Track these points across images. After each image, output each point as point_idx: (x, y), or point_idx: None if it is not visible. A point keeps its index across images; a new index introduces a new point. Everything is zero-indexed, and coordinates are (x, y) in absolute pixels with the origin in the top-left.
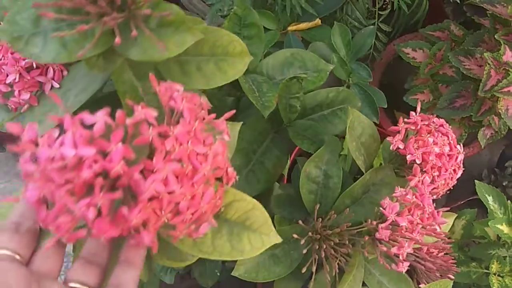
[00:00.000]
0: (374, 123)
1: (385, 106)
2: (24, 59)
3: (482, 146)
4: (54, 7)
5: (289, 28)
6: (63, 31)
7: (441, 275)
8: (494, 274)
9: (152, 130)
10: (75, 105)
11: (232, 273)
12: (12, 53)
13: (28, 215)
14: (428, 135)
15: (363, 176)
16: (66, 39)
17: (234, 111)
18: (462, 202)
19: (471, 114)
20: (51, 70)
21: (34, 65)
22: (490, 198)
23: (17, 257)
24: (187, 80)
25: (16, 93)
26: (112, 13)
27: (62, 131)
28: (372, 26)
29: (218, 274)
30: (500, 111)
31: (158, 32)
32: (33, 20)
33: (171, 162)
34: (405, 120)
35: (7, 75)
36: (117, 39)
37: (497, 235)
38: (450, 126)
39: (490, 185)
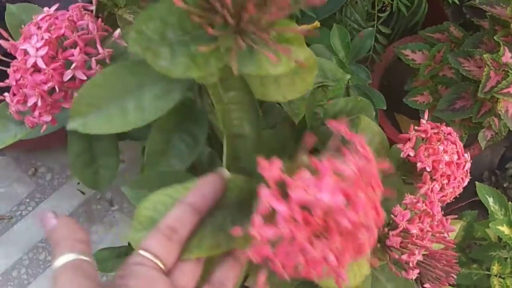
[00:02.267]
0: None
1: (384, 108)
2: (46, 83)
3: (483, 148)
4: (178, 19)
5: None
6: (188, 44)
7: (444, 275)
8: (495, 275)
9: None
10: (153, 113)
11: None
12: (31, 75)
13: (184, 222)
14: (438, 143)
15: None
16: (193, 53)
17: None
18: (463, 204)
19: (471, 115)
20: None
21: (57, 89)
22: (490, 200)
23: (162, 266)
24: (266, 92)
25: (36, 114)
26: (239, 29)
27: None
28: (371, 28)
29: None
30: (500, 112)
31: (274, 47)
32: (160, 31)
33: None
34: (416, 128)
35: (26, 95)
36: (256, 48)
37: (498, 236)
38: (450, 128)
39: (490, 187)
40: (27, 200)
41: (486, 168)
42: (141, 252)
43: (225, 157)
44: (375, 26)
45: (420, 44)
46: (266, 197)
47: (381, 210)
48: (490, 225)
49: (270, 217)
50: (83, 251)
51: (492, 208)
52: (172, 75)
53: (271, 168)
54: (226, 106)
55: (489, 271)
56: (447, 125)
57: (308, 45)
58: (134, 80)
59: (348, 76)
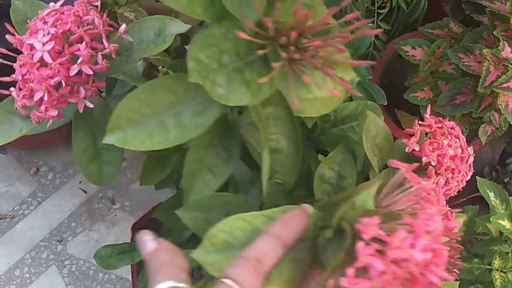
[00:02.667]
0: None
1: (385, 103)
2: (53, 78)
3: (483, 143)
4: (233, 45)
5: None
6: (243, 70)
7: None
8: (497, 270)
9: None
10: (193, 129)
11: None
12: (38, 69)
13: (271, 255)
14: (443, 137)
15: (376, 177)
16: (248, 79)
17: None
18: (464, 200)
19: (472, 110)
20: (82, 90)
21: (63, 84)
22: (491, 194)
23: None
24: (302, 108)
25: (42, 108)
26: (291, 55)
27: None
28: (370, 24)
29: None
30: (500, 107)
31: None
32: (217, 58)
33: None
34: (420, 122)
35: (32, 90)
36: (305, 78)
37: (499, 231)
38: (453, 122)
39: (491, 182)
40: (29, 199)
41: (487, 163)
42: (226, 281)
43: (264, 172)
44: (375, 22)
45: (420, 40)
46: (364, 254)
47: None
48: (491, 219)
49: (362, 270)
50: (184, 280)
51: (493, 203)
52: (229, 103)
53: (370, 225)
54: (264, 123)
55: (490, 265)
56: (440, 117)
57: None
58: (173, 96)
59: (358, 79)
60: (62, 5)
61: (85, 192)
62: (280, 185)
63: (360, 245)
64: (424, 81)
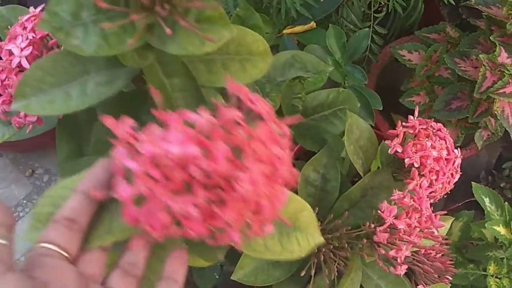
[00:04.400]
0: (371, 125)
1: (380, 108)
2: None
3: (479, 148)
4: None
5: (284, 31)
6: (102, 23)
7: (439, 277)
8: (492, 275)
9: (241, 130)
10: (95, 97)
11: (232, 277)
12: (16, 75)
13: (81, 212)
14: (426, 139)
15: (361, 180)
16: (106, 32)
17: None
18: (460, 204)
19: (467, 115)
20: None
21: None
22: (487, 200)
23: (67, 255)
24: (214, 78)
25: (22, 114)
26: (154, 7)
27: None
28: (367, 29)
29: (217, 277)
30: (496, 112)
31: (195, 26)
32: (73, 12)
33: (260, 162)
34: (404, 124)
35: (11, 96)
36: (168, 31)
37: (494, 237)
38: (447, 129)
39: (487, 187)
40: (24, 201)
41: (483, 168)
42: (43, 244)
43: None
44: (371, 26)
45: (417, 45)
46: (118, 156)
47: (282, 162)
48: (486, 225)
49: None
50: (2, 235)
51: (488, 208)
52: (84, 53)
53: (121, 126)
54: (170, 94)
55: (485, 271)
56: (436, 122)
57: (304, 46)
58: (79, 67)
59: (330, 68)
60: (42, 10)
61: None
62: None
63: (116, 149)
64: (420, 86)
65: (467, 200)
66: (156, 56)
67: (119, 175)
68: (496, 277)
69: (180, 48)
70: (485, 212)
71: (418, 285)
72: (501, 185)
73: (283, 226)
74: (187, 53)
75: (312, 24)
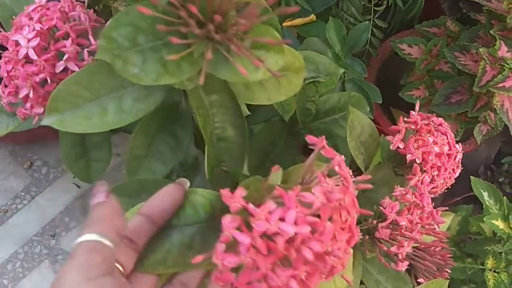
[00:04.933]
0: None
1: (380, 102)
2: (38, 74)
3: (478, 142)
4: (150, 24)
5: (284, 23)
6: (160, 50)
7: (437, 269)
8: (490, 270)
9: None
10: (133, 113)
11: None
12: (23, 66)
13: (142, 232)
14: (428, 134)
15: (363, 174)
16: (164, 60)
17: None
18: (459, 199)
19: (467, 110)
20: None
21: (49, 80)
22: (485, 194)
23: (123, 271)
24: (251, 95)
25: (28, 105)
26: (211, 34)
27: None
28: (367, 22)
29: None
30: (495, 106)
31: (248, 55)
32: (130, 37)
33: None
34: (405, 119)
35: (17, 87)
36: (231, 57)
37: (493, 231)
38: (448, 123)
39: (485, 181)
40: (23, 193)
41: (482, 162)
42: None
43: (206, 163)
44: (371, 20)
45: (417, 39)
46: (228, 227)
47: (356, 230)
48: (484, 219)
49: (234, 244)
50: (111, 239)
51: (487, 203)
52: (143, 82)
53: (234, 197)
54: (208, 111)
55: (483, 265)
56: (438, 116)
57: (303, 38)
58: (114, 81)
59: (342, 70)
60: (47, 0)
61: (78, 187)
62: (228, 173)
63: (225, 218)
64: (419, 80)
65: (465, 195)
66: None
67: (223, 241)
68: (494, 271)
69: (233, 74)
70: (484, 206)
71: (417, 278)
72: (500, 180)
73: None
74: (241, 80)
75: (312, 16)
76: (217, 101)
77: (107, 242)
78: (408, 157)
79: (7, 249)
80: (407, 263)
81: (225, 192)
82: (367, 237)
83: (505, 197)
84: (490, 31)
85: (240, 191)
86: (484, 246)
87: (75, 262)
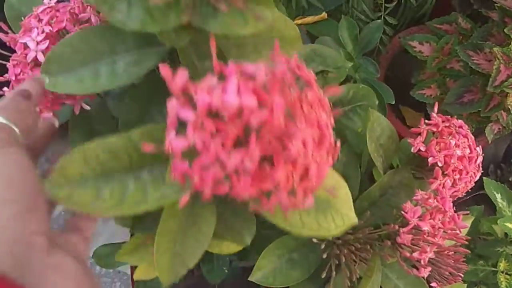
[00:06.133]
0: None
1: (393, 102)
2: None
3: (490, 141)
4: None
5: (295, 21)
6: None
7: (451, 274)
8: (502, 272)
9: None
10: (125, 77)
11: (249, 278)
12: (32, 70)
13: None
14: (450, 137)
15: (381, 178)
16: (150, 7)
17: None
18: (467, 198)
19: (479, 109)
20: None
21: None
22: (498, 196)
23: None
24: (245, 60)
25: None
26: None
27: None
28: (379, 20)
29: (226, 271)
30: (509, 107)
31: (239, 6)
32: None
33: (312, 125)
34: (426, 121)
35: None
36: (223, 7)
37: (505, 232)
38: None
39: (498, 182)
40: None
41: (490, 161)
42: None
43: None
44: (382, 17)
45: (428, 36)
46: (173, 107)
47: (327, 130)
48: (498, 222)
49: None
50: (16, 124)
51: (500, 205)
52: (128, 28)
53: (176, 77)
54: (201, 78)
55: (495, 267)
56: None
57: (314, 37)
58: (106, 45)
59: (350, 64)
60: (57, 2)
61: None
62: None
63: (170, 100)
64: (431, 78)
65: (475, 193)
66: (190, 38)
67: (171, 127)
68: (507, 273)
69: (223, 27)
70: (497, 208)
71: (430, 283)
72: (510, 179)
73: (319, 202)
74: (230, 32)
75: (324, 14)
76: (211, 67)
77: (15, 128)
78: (430, 160)
79: None
80: (429, 268)
81: (165, 71)
82: (388, 242)
83: None
84: (504, 30)
85: (183, 72)
86: (496, 247)
87: None
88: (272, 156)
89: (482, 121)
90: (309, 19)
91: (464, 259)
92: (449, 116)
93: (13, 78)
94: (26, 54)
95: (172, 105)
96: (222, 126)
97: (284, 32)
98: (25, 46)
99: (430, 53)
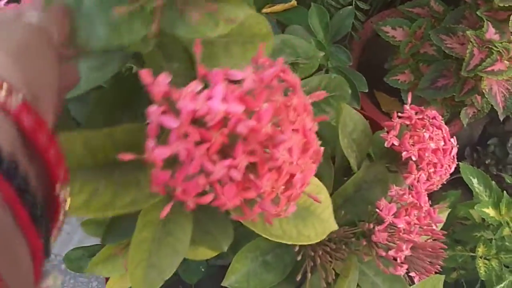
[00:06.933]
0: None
1: (366, 91)
2: None
3: (464, 125)
4: None
5: (264, 10)
6: (107, 10)
7: (430, 262)
8: (481, 257)
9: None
10: (89, 82)
11: (222, 283)
12: None
13: None
14: (423, 129)
15: (355, 174)
16: (114, 21)
17: None
18: (445, 183)
19: (454, 94)
20: None
21: None
22: (475, 181)
23: None
24: (215, 62)
25: None
26: None
27: None
28: (350, 7)
29: (202, 270)
30: (484, 90)
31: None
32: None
33: (297, 132)
34: (399, 114)
35: None
36: (195, 16)
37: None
38: (433, 107)
39: (474, 167)
40: None
41: (465, 141)
42: None
43: None
44: (353, 2)
45: (400, 20)
46: (154, 114)
47: (312, 136)
48: (475, 207)
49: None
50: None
51: (477, 189)
52: (95, 48)
53: (158, 82)
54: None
55: (473, 252)
56: (428, 105)
57: (284, 25)
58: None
59: (321, 53)
60: (6, 3)
61: None
62: None
63: (150, 107)
64: (404, 64)
65: (452, 178)
66: (157, 41)
67: (152, 135)
68: (485, 258)
69: (192, 30)
70: (474, 193)
71: (409, 273)
72: (486, 162)
73: (299, 209)
74: (200, 35)
75: (293, 2)
76: (179, 69)
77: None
78: (404, 154)
79: None
80: (406, 266)
81: (146, 75)
82: (363, 241)
83: (494, 182)
84: (477, 12)
85: (165, 76)
86: (473, 232)
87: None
88: (256, 164)
89: (457, 105)
90: (279, 7)
91: (442, 247)
92: (422, 108)
93: None
94: None
95: (153, 111)
96: (207, 134)
97: (255, 29)
98: None
99: (403, 38)
